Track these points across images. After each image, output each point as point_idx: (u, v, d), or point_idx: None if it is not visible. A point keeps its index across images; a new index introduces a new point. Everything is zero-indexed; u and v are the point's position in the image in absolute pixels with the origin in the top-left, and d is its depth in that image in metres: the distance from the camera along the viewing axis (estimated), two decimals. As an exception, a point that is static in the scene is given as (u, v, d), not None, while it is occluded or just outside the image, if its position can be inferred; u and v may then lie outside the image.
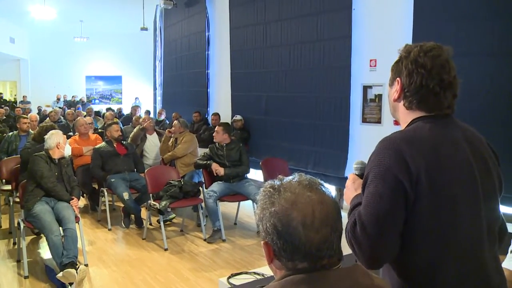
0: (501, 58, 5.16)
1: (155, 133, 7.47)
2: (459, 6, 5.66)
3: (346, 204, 1.72)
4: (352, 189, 1.72)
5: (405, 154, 1.42)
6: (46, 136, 4.90)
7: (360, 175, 1.73)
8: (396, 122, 6.09)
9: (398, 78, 1.59)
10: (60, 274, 4.06)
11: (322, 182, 1.18)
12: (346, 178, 6.74)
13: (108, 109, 13.68)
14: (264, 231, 1.14)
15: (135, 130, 7.24)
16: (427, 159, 1.43)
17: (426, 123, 1.52)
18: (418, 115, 1.57)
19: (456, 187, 1.45)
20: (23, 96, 18.92)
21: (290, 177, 1.17)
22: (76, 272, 4.07)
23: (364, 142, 6.76)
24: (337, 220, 1.13)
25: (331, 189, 7.01)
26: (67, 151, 4.94)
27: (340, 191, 7.14)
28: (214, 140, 6.06)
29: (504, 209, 5.07)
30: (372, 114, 6.64)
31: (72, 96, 20.16)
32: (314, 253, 1.09)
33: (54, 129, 5.43)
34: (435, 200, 1.41)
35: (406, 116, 1.60)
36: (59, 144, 4.80)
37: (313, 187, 1.13)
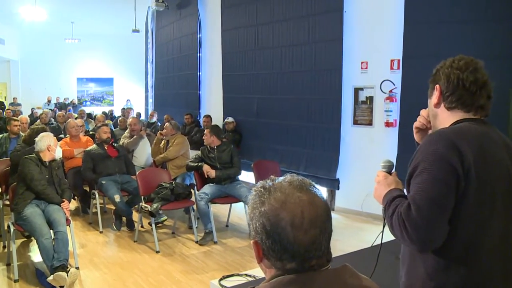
0: (492, 61, 5.19)
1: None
2: (449, 9, 5.72)
3: (377, 200, 1.79)
4: (385, 184, 1.78)
5: (457, 144, 1.54)
6: (37, 139, 4.87)
7: (389, 172, 1.84)
8: (388, 124, 6.13)
9: (436, 85, 1.74)
10: (50, 277, 4.04)
11: (313, 183, 1.19)
12: (338, 179, 6.79)
13: (103, 113, 13.65)
14: (254, 230, 1.15)
15: (133, 138, 7.17)
16: (474, 152, 1.54)
17: (470, 123, 1.66)
18: (459, 117, 1.69)
19: (496, 183, 1.57)
20: (14, 98, 18.77)
21: (282, 178, 1.18)
22: (67, 275, 4.04)
23: (355, 144, 6.80)
24: (326, 221, 1.13)
25: (322, 190, 7.01)
26: (58, 153, 4.91)
27: (332, 193, 7.17)
28: (205, 143, 6.06)
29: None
30: (363, 116, 6.68)
31: (64, 98, 20.04)
32: (302, 254, 1.09)
33: (45, 131, 5.40)
34: (479, 190, 1.53)
35: (448, 119, 1.72)
36: (50, 146, 4.77)
37: (303, 188, 1.14)
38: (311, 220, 1.09)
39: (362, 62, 6.63)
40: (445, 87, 1.70)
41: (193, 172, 6.12)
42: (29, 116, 12.67)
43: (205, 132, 6.12)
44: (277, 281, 1.11)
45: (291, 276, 1.10)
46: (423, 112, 1.89)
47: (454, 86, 1.68)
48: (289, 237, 1.08)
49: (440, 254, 1.58)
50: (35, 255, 4.99)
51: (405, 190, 1.71)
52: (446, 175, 1.51)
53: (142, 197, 5.62)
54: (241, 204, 5.96)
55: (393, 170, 1.87)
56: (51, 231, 4.42)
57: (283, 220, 1.09)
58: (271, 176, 1.21)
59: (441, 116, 1.74)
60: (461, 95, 1.67)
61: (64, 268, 4.11)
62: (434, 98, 1.75)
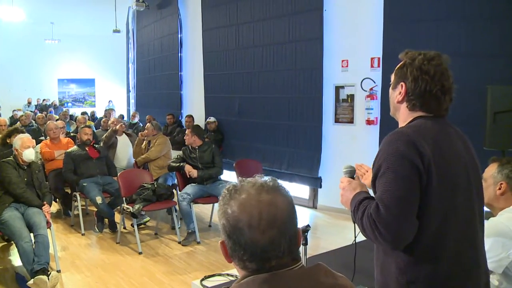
0: (470, 59, 5.28)
1: (124, 134, 7.35)
2: (428, 7, 5.78)
3: (345, 206, 1.83)
4: (350, 189, 1.82)
5: (416, 142, 1.59)
6: (14, 141, 4.80)
7: (351, 177, 1.90)
8: (369, 122, 6.18)
9: (402, 83, 1.76)
10: (31, 281, 3.99)
11: (280, 184, 1.20)
12: (320, 178, 6.81)
13: (83, 113, 13.52)
14: (221, 231, 1.17)
15: (107, 132, 7.16)
16: (432, 148, 1.61)
17: (427, 121, 1.71)
18: (418, 115, 1.75)
19: (454, 175, 1.65)
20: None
21: (249, 179, 1.19)
22: (48, 279, 4.00)
23: (337, 142, 6.83)
24: (287, 222, 1.14)
25: (305, 189, 7.02)
26: (28, 155, 4.69)
27: (314, 191, 7.20)
28: (185, 143, 6.05)
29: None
30: (344, 114, 6.71)
31: (43, 100, 19.81)
32: (259, 254, 1.11)
33: (20, 132, 5.32)
34: (440, 185, 1.60)
35: (407, 116, 1.77)
36: (15, 149, 4.67)
37: (264, 188, 1.15)
38: (269, 220, 1.10)
39: (342, 61, 6.67)
40: (411, 90, 1.73)
41: (175, 172, 6.10)
42: (9, 118, 12.52)
43: (186, 132, 6.11)
44: (249, 281, 1.12)
45: (264, 276, 1.11)
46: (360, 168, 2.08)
47: (421, 92, 1.71)
48: (246, 238, 1.10)
49: (409, 249, 1.62)
50: (16, 259, 4.92)
51: (371, 192, 1.76)
52: (409, 172, 1.57)
53: (124, 198, 5.58)
54: (223, 203, 5.94)
55: (355, 175, 1.94)
56: (32, 234, 4.36)
57: (241, 221, 1.11)
58: (241, 178, 1.23)
59: (402, 111, 1.80)
60: (426, 101, 1.72)
61: (44, 271, 4.07)
62: (398, 95, 1.79)
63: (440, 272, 1.62)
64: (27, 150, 4.68)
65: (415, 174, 1.57)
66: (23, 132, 5.42)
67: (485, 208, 2.51)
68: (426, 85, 1.69)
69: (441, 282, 1.63)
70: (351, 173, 1.92)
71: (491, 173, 2.41)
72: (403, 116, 1.79)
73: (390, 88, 1.85)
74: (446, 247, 1.63)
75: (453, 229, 1.64)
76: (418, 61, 1.72)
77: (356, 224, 1.74)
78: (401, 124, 1.80)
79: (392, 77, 1.83)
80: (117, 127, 7.07)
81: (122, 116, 12.81)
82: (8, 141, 5.62)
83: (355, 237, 1.99)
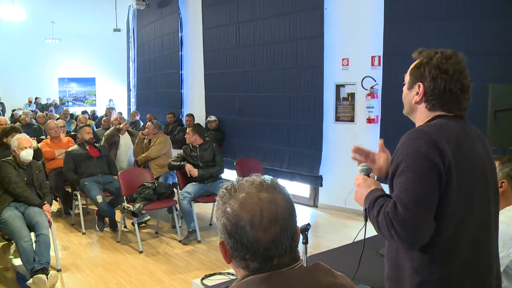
0: (470, 57, 5.24)
1: (126, 133, 7.37)
2: (428, 6, 5.77)
3: (359, 203, 1.80)
4: (365, 186, 1.79)
5: (437, 142, 1.55)
6: (11, 142, 4.79)
7: (367, 175, 1.86)
8: (369, 120, 6.17)
9: (419, 83, 1.71)
10: (30, 281, 3.98)
11: (277, 182, 1.19)
12: (321, 176, 6.82)
13: (84, 112, 13.51)
14: (220, 231, 1.16)
15: (110, 130, 7.16)
16: (453, 148, 1.57)
17: (448, 120, 1.67)
18: (438, 114, 1.70)
19: (473, 177, 1.62)
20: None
21: (246, 178, 1.19)
22: (47, 278, 4.00)
23: (337, 140, 6.82)
24: (288, 219, 1.13)
25: (305, 187, 7.01)
26: (26, 156, 4.65)
27: (315, 190, 7.19)
28: (187, 141, 6.04)
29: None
30: (345, 113, 6.71)
31: (47, 99, 19.81)
32: (262, 252, 1.10)
33: (17, 131, 5.31)
34: (459, 186, 1.56)
35: (427, 115, 1.72)
36: (13, 150, 4.66)
37: (264, 187, 1.15)
38: (270, 218, 1.10)
39: (343, 59, 6.66)
40: (430, 90, 1.68)
41: (175, 171, 6.10)
42: (9, 117, 12.53)
43: (187, 131, 6.10)
44: (249, 281, 1.11)
45: (263, 275, 1.10)
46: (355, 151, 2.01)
47: (441, 92, 1.66)
48: (248, 236, 1.09)
49: (424, 249, 1.59)
50: (16, 258, 4.92)
51: (387, 190, 1.73)
52: (429, 172, 1.53)
53: (125, 197, 5.58)
54: (224, 202, 5.93)
55: (371, 174, 1.90)
56: (33, 234, 4.36)
57: (242, 219, 1.10)
58: (238, 177, 1.22)
59: (419, 112, 1.74)
60: (446, 101, 1.67)
61: (44, 271, 4.07)
62: (415, 95, 1.73)
63: (452, 276, 1.60)
64: (24, 151, 4.63)
65: (435, 174, 1.53)
66: (19, 131, 5.38)
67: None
68: (446, 85, 1.65)
69: (453, 285, 1.60)
70: (367, 171, 1.88)
71: None
72: (422, 116, 1.74)
73: (405, 88, 1.79)
74: (461, 250, 1.60)
75: (468, 232, 1.61)
76: (436, 60, 1.67)
77: (367, 221, 1.71)
78: (419, 124, 1.74)
79: (407, 77, 1.78)
80: (121, 126, 7.08)
81: (121, 114, 12.76)
82: (5, 141, 5.56)
83: (364, 235, 1.94)
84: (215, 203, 1.21)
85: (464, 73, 1.68)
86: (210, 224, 6.31)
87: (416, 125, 1.75)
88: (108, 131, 7.20)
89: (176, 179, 6.18)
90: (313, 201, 7.24)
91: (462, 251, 1.59)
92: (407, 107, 1.80)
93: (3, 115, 13.57)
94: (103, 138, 7.14)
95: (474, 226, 1.62)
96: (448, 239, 1.58)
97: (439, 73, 1.65)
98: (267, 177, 1.19)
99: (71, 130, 9.18)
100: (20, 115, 11.36)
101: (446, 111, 1.69)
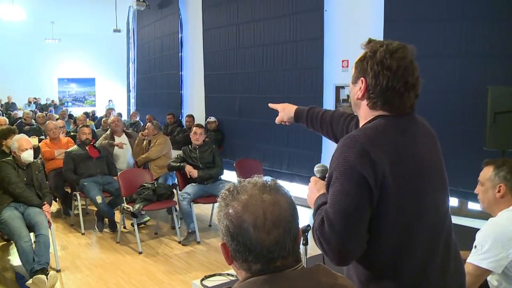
0: (470, 59, 5.28)
1: (124, 134, 7.29)
2: (428, 7, 5.76)
3: (310, 206, 1.72)
4: (314, 190, 1.70)
5: (369, 151, 1.45)
6: (11, 143, 4.79)
7: (322, 178, 1.76)
8: (368, 122, 6.10)
9: (362, 78, 1.59)
10: (29, 281, 3.99)
11: (279, 184, 1.19)
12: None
13: (84, 113, 13.49)
14: (222, 233, 1.16)
15: (104, 142, 6.92)
16: (390, 155, 1.47)
17: (387, 121, 1.56)
18: (379, 114, 1.59)
19: (417, 180, 1.52)
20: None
21: (248, 179, 1.19)
22: (46, 278, 4.00)
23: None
24: (291, 221, 1.13)
25: (305, 189, 7.04)
26: (27, 157, 4.65)
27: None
28: (194, 142, 5.99)
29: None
30: (344, 114, 6.69)
31: (46, 99, 19.80)
32: (265, 254, 1.10)
33: (13, 132, 5.31)
34: (401, 193, 1.47)
35: (368, 114, 1.62)
36: (13, 151, 4.66)
37: (266, 188, 1.14)
38: (273, 220, 1.10)
39: (343, 61, 6.66)
40: (372, 87, 1.56)
41: (175, 172, 6.10)
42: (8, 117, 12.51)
43: (194, 129, 6.04)
44: (250, 282, 1.11)
45: (264, 277, 1.10)
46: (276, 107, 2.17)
47: (382, 89, 1.54)
48: (252, 238, 1.09)
49: (370, 262, 1.53)
50: (15, 259, 4.92)
51: None
52: (356, 187, 1.44)
53: (124, 197, 5.58)
54: (223, 203, 5.93)
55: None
56: (33, 234, 4.37)
57: (245, 221, 1.10)
58: (240, 178, 1.22)
59: (362, 109, 1.64)
60: (388, 99, 1.55)
61: (44, 271, 4.07)
62: (358, 91, 1.62)
63: (403, 287, 1.52)
64: (25, 152, 4.62)
65: (363, 189, 1.43)
66: (16, 133, 5.37)
67: (482, 209, 2.51)
68: (388, 82, 1.52)
69: None
70: (323, 173, 1.76)
71: (487, 176, 2.38)
72: (364, 114, 1.63)
73: (351, 82, 1.67)
74: (410, 259, 1.51)
75: (417, 240, 1.51)
76: (380, 55, 1.54)
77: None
78: (362, 121, 1.65)
79: (353, 70, 1.65)
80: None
81: (120, 115, 12.77)
82: (3, 143, 5.52)
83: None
84: (217, 204, 1.21)
85: (410, 69, 1.54)
86: (210, 225, 6.31)
87: (360, 123, 1.67)
88: (102, 141, 7.00)
89: (176, 180, 6.18)
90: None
91: (411, 260, 1.51)
92: (352, 103, 1.69)
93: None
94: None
95: (423, 233, 1.52)
96: (393, 250, 1.50)
97: (381, 69, 1.52)
98: (268, 178, 1.19)
99: (70, 130, 9.18)
100: (22, 116, 11.36)
101: (387, 111, 1.56)
